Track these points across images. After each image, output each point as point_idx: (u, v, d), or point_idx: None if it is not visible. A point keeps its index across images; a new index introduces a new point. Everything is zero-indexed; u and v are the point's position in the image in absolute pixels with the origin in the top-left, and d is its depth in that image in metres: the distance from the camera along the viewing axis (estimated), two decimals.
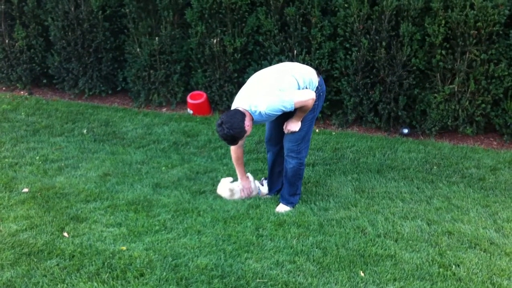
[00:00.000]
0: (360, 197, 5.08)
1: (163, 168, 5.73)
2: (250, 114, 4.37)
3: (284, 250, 4.19)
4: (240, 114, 4.32)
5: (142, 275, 3.88)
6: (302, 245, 4.25)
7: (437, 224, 4.59)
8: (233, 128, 4.27)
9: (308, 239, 4.34)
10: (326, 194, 5.14)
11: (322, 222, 4.60)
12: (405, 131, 6.79)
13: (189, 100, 7.46)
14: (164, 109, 7.67)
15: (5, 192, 5.12)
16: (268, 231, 4.45)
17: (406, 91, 6.66)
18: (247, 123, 4.33)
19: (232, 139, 4.37)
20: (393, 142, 6.49)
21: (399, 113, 6.75)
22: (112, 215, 4.73)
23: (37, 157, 5.96)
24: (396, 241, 4.33)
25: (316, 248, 4.22)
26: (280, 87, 4.38)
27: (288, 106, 4.33)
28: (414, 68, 6.53)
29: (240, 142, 4.68)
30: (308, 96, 4.42)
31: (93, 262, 4.01)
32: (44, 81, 8.34)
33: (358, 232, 4.46)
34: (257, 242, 4.28)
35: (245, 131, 4.33)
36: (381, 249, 4.20)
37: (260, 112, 4.32)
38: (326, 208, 4.87)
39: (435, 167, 5.77)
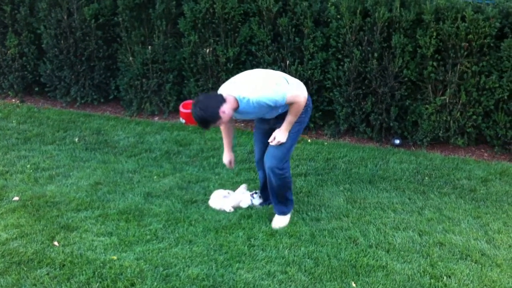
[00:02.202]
0: (352, 208, 5.09)
1: (155, 177, 5.71)
2: (236, 101, 4.16)
3: (276, 260, 4.18)
4: (219, 99, 4.12)
5: (133, 285, 3.86)
6: (294, 255, 4.24)
7: (429, 235, 4.61)
8: (205, 111, 4.05)
9: (300, 249, 4.34)
10: (318, 204, 5.15)
11: (314, 232, 4.60)
12: (397, 142, 6.82)
13: (181, 109, 7.41)
14: (156, 118, 7.67)
15: None
16: (260, 241, 4.45)
17: (398, 102, 6.70)
18: (226, 110, 4.10)
19: (204, 122, 4.14)
20: (385, 153, 6.52)
21: (391, 124, 6.78)
22: (103, 224, 4.70)
23: (28, 166, 5.92)
24: (387, 251, 4.34)
25: (308, 258, 4.22)
26: (276, 81, 4.28)
27: (280, 99, 4.15)
28: (406, 79, 6.58)
29: (229, 124, 4.59)
30: (300, 91, 4.31)
31: (84, 272, 3.99)
32: (36, 89, 8.30)
33: (350, 242, 4.46)
34: (248, 252, 4.28)
35: (219, 117, 4.09)
36: (373, 259, 4.21)
37: (248, 100, 4.12)
38: (318, 218, 4.87)
39: (426, 178, 5.80)
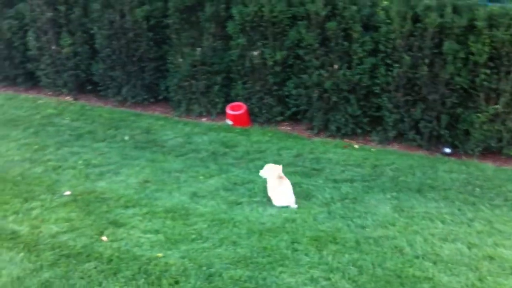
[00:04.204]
0: (398, 216, 5.00)
1: (201, 177, 5.78)
2: None
3: (319, 266, 4.16)
4: None
5: (177, 282, 3.92)
6: (338, 262, 4.21)
7: (478, 248, 4.48)
8: None
9: (344, 256, 4.30)
10: (363, 211, 5.08)
11: (359, 239, 4.55)
12: (447, 150, 6.66)
13: (228, 111, 7.52)
14: (204, 119, 7.75)
15: (48, 195, 5.26)
16: (304, 245, 4.43)
17: (448, 110, 6.55)
18: None
19: None
20: (434, 161, 6.38)
21: (441, 132, 6.63)
22: (150, 221, 4.79)
23: (80, 162, 6.10)
24: (434, 263, 4.25)
25: (352, 266, 4.17)
26: None
27: None
28: (458, 86, 6.42)
29: None
30: None
31: (130, 267, 4.08)
32: (89, 87, 8.54)
33: (395, 252, 4.39)
34: (292, 257, 4.27)
35: None
36: (419, 270, 4.13)
37: None
38: (363, 225, 4.81)
39: (477, 189, 5.64)
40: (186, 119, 7.77)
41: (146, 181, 5.64)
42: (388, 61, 6.71)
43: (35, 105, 8.15)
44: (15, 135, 6.86)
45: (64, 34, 8.27)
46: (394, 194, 5.47)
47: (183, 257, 4.21)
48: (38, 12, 8.25)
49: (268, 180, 5.25)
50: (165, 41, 8.00)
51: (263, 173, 5.30)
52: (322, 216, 4.95)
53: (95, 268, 4.07)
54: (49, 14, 8.21)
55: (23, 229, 4.60)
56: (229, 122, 7.51)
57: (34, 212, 4.89)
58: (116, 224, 4.74)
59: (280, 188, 5.16)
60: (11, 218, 4.78)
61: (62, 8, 8.17)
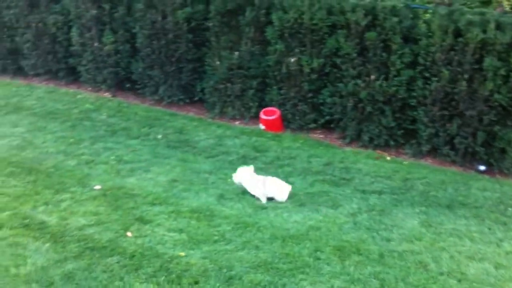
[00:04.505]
0: (425, 231, 4.90)
1: (229, 180, 5.79)
2: None
3: (341, 276, 4.11)
4: None
5: (196, 282, 3.94)
6: (360, 274, 4.15)
7: (506, 269, 4.34)
8: None
9: (367, 268, 4.24)
10: (390, 224, 5.00)
11: (383, 252, 4.48)
12: (482, 168, 6.50)
13: (262, 115, 7.54)
14: (237, 122, 7.79)
15: (78, 187, 5.38)
16: (326, 254, 4.39)
17: (485, 127, 6.39)
18: None
19: None
20: (468, 178, 6.23)
21: (477, 149, 6.47)
22: (175, 220, 4.84)
23: (112, 157, 6.22)
24: (459, 281, 4.14)
25: (374, 278, 4.11)
26: None
27: None
28: (496, 104, 6.26)
29: None
30: None
31: (151, 264, 4.12)
32: (127, 85, 8.70)
33: (419, 267, 4.30)
34: (313, 265, 4.24)
35: None
36: None
37: None
38: (388, 238, 4.74)
39: (510, 209, 5.47)
40: (220, 121, 7.82)
41: (175, 180, 5.70)
42: (427, 74, 6.61)
43: (74, 99, 8.35)
44: (52, 128, 7.05)
45: (107, 31, 8.45)
46: (423, 208, 5.37)
47: (204, 258, 4.23)
48: (83, 9, 8.46)
49: (244, 183, 5.39)
50: (204, 43, 8.08)
51: (236, 177, 5.44)
52: (347, 226, 4.90)
53: (118, 262, 4.13)
54: (94, 12, 8.41)
55: (52, 220, 4.71)
56: (262, 126, 7.53)
57: (64, 204, 5.01)
58: (142, 220, 4.80)
59: (268, 186, 5.35)
60: (41, 208, 4.91)
61: (106, 6, 8.36)
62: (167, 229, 4.68)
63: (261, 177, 5.41)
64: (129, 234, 4.57)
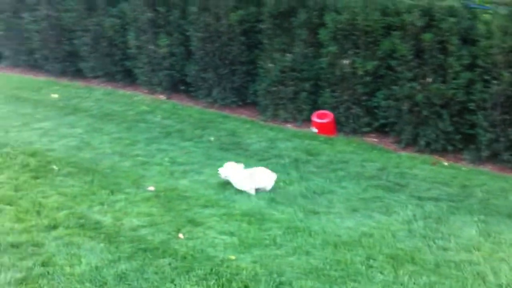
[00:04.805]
0: (484, 241, 4.69)
1: (281, 183, 5.76)
2: None
3: (394, 285, 3.99)
4: None
5: (246, 287, 3.91)
6: (414, 283, 4.01)
7: None
8: None
9: (422, 278, 4.09)
10: (447, 232, 4.82)
11: (439, 262, 4.32)
12: None
13: (315, 118, 7.46)
14: (289, 125, 7.74)
15: (133, 188, 5.47)
16: (379, 263, 4.27)
17: None
18: None
19: None
20: None
21: None
22: (226, 223, 4.84)
23: (166, 159, 6.30)
24: None
25: None
26: None
27: None
28: None
29: None
30: None
31: (202, 267, 4.12)
32: (182, 87, 8.81)
33: (477, 278, 4.12)
34: (366, 273, 4.13)
35: None
36: None
37: None
38: (445, 247, 4.56)
39: None
40: (272, 124, 7.79)
41: (228, 183, 5.70)
42: (486, 77, 6.35)
43: (131, 101, 8.54)
44: (109, 129, 7.23)
45: (162, 34, 8.59)
46: (482, 217, 5.14)
47: (254, 262, 4.21)
48: (139, 12, 8.64)
49: (232, 178, 5.52)
50: (257, 45, 8.08)
51: (223, 171, 5.56)
52: (402, 233, 4.76)
53: (169, 264, 4.16)
54: (149, 15, 8.57)
55: (106, 220, 4.81)
56: (314, 129, 7.45)
57: (118, 205, 5.10)
58: (194, 222, 4.83)
59: (257, 176, 5.49)
60: (96, 208, 5.02)
61: (161, 9, 8.51)
62: (218, 231, 4.69)
63: (247, 171, 5.52)
64: (181, 236, 4.61)
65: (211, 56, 8.24)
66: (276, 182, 5.75)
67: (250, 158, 6.48)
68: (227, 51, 8.12)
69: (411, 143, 6.99)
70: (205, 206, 5.16)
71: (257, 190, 5.47)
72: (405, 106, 6.87)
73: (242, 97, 8.38)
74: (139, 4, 8.66)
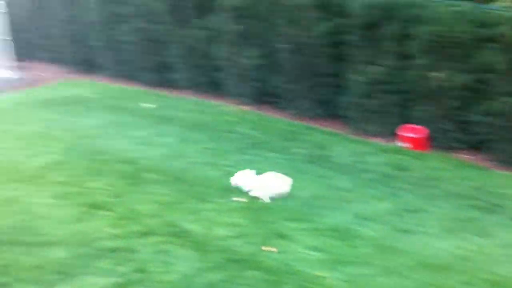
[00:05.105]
0: None
1: (370, 199, 5.64)
2: None
3: None
4: None
5: None
6: None
7: None
8: None
9: None
10: None
11: None
12: None
13: (404, 133, 7.25)
14: (377, 139, 7.57)
15: (221, 198, 5.56)
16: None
17: None
18: None
19: None
20: None
21: None
22: (313, 238, 4.80)
23: (253, 170, 6.33)
24: None
25: None
26: None
27: None
28: None
29: None
30: None
31: (290, 281, 4.12)
32: (268, 99, 8.87)
33: None
34: None
35: None
36: None
37: None
38: None
39: None
40: (359, 137, 7.65)
41: (313, 196, 5.67)
42: None
43: (219, 111, 8.71)
44: (199, 139, 7.40)
45: (249, 47, 8.71)
46: None
47: (344, 280, 4.13)
48: (228, 25, 8.81)
49: (244, 185, 5.60)
50: (344, 57, 7.99)
51: (234, 180, 5.66)
52: (502, 258, 4.50)
53: (258, 276, 4.18)
54: (238, 27, 8.71)
55: (196, 229, 4.91)
56: (404, 144, 7.23)
57: (208, 214, 5.20)
58: (281, 236, 4.83)
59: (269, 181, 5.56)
60: (187, 217, 5.14)
61: (249, 21, 8.62)
62: (306, 246, 4.66)
63: (260, 178, 5.60)
64: (268, 248, 4.61)
65: (298, 68, 8.24)
66: (362, 197, 5.64)
67: (337, 172, 6.40)
68: (314, 63, 8.09)
69: (509, 161, 6.61)
70: (293, 219, 5.15)
71: (272, 197, 5.49)
72: (501, 122, 6.52)
73: (329, 109, 8.30)
74: (228, 17, 8.83)
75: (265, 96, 8.94)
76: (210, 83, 9.54)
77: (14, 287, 4.03)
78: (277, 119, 8.39)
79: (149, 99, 9.31)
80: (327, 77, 8.11)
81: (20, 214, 5.12)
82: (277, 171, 6.29)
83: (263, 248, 4.60)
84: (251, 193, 5.57)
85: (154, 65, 10.11)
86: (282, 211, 5.32)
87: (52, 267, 4.25)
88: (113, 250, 4.51)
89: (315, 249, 4.62)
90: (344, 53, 7.97)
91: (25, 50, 12.33)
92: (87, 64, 11.45)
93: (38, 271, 4.20)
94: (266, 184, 5.57)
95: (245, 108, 8.88)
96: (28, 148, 6.95)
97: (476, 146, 6.97)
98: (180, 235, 4.83)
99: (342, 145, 7.32)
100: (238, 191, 5.70)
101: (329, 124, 8.21)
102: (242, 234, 4.86)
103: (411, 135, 7.17)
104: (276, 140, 7.47)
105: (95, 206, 5.30)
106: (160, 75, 10.14)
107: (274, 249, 4.59)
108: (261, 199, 5.50)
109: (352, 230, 4.96)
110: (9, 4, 11.18)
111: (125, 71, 10.69)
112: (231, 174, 6.18)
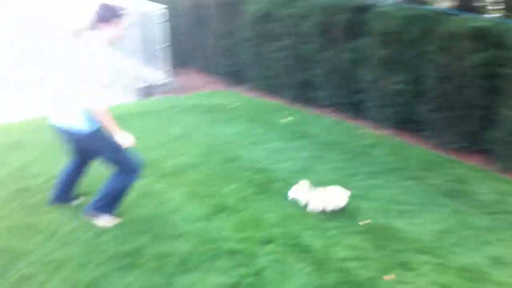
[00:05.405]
0: None
1: (510, 242, 5.13)
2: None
3: None
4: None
5: None
6: None
7: None
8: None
9: None
10: None
11: None
12: None
13: None
14: None
15: (346, 219, 5.42)
16: None
17: None
18: None
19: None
20: None
21: None
22: (440, 274, 4.48)
23: (383, 196, 6.12)
24: None
25: None
26: None
27: None
28: None
29: None
30: None
31: None
32: (409, 125, 8.55)
33: None
34: None
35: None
36: None
37: None
38: None
39: None
40: (507, 176, 7.03)
41: (446, 231, 5.29)
42: None
43: (355, 133, 8.57)
44: (331, 158, 7.32)
45: (395, 71, 8.48)
46: None
47: None
48: (375, 49, 8.66)
49: (300, 197, 5.60)
50: (497, 91, 7.42)
51: (291, 193, 5.66)
52: None
53: None
54: (385, 51, 8.53)
55: (316, 245, 4.82)
56: None
57: (329, 233, 5.09)
58: (405, 266, 4.57)
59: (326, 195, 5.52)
60: (308, 232, 5.08)
61: (397, 47, 8.40)
62: (431, 282, 4.35)
63: (317, 190, 5.57)
64: (388, 277, 4.39)
65: (444, 97, 7.83)
66: (502, 240, 5.15)
67: (476, 209, 5.92)
68: (464, 93, 7.62)
69: None
70: (420, 252, 4.85)
71: (327, 210, 5.46)
72: None
73: (475, 143, 7.75)
74: (376, 41, 8.69)
75: (406, 123, 8.62)
76: (351, 104, 9.45)
77: (135, 271, 4.28)
78: (416, 147, 8.03)
79: (287, 114, 9.46)
80: (476, 109, 7.59)
81: (154, 206, 5.44)
82: (410, 201, 6.03)
83: (385, 277, 4.39)
84: (308, 207, 5.53)
85: (297, 82, 10.27)
86: (411, 242, 5.04)
87: (173, 259, 4.44)
88: (233, 252, 4.60)
89: (439, 286, 4.30)
90: (498, 86, 7.41)
91: (181, 58, 13.27)
92: (234, 76, 12.01)
93: (160, 260, 4.41)
94: (322, 197, 5.54)
95: (384, 132, 8.64)
96: (168, 147, 7.42)
97: None
98: (300, 248, 4.78)
99: (485, 181, 6.77)
100: (367, 215, 5.53)
101: (472, 158, 7.67)
102: (363, 258, 4.68)
103: None
104: (412, 168, 7.14)
105: (223, 208, 5.47)
106: (301, 92, 10.27)
107: (394, 278, 4.35)
108: (318, 212, 5.50)
109: (485, 274, 4.54)
110: (171, 15, 12.10)
111: (269, 86, 11.01)
112: (360, 197, 6.03)
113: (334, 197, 5.55)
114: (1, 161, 6.69)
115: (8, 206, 5.36)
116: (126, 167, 4.80)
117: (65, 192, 5.30)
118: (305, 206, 5.57)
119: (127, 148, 4.74)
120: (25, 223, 4.98)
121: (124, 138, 4.66)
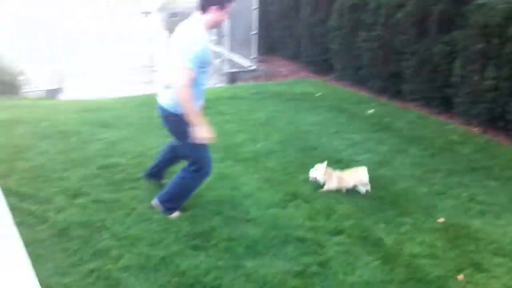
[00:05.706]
0: None
1: None
2: None
3: None
4: None
5: None
6: None
7: None
8: None
9: None
10: None
11: None
12: None
13: None
14: None
15: (422, 215, 5.33)
16: None
17: None
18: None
19: None
20: None
21: None
22: None
23: (464, 194, 5.93)
24: None
25: None
26: None
27: None
28: None
29: None
30: None
31: None
32: (500, 123, 8.13)
33: None
34: None
35: None
36: None
37: None
38: None
39: None
40: None
41: None
42: None
43: (442, 129, 8.30)
44: (413, 152, 7.16)
45: (490, 67, 8.08)
46: None
47: None
48: (470, 42, 8.30)
49: (320, 178, 5.77)
50: None
51: (312, 174, 5.82)
52: None
53: None
54: (480, 45, 8.15)
55: (388, 240, 4.80)
56: None
57: (403, 228, 5.04)
58: (478, 267, 4.45)
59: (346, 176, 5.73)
60: (381, 225, 5.06)
61: (495, 40, 7.99)
62: (504, 284, 4.21)
63: (335, 172, 5.77)
64: (460, 277, 4.30)
65: None
66: None
67: None
68: None
69: None
70: (496, 254, 4.69)
71: (349, 189, 5.73)
72: None
73: None
74: (471, 33, 8.32)
75: (497, 121, 8.21)
76: (440, 99, 9.13)
77: (205, 251, 4.48)
78: (505, 146, 7.65)
79: (372, 106, 9.33)
80: None
81: (228, 189, 5.61)
82: (491, 201, 5.80)
83: (456, 276, 4.30)
84: (325, 187, 5.68)
85: (386, 73, 10.07)
86: (487, 243, 4.88)
87: (243, 241, 4.58)
88: (302, 240, 4.68)
89: None
90: None
91: (269, 45, 13.42)
92: (322, 65, 11.98)
93: (230, 243, 4.56)
94: (341, 176, 5.68)
95: (472, 129, 8.29)
96: (249, 133, 7.58)
97: None
98: (370, 241, 4.78)
99: None
100: (445, 213, 5.40)
101: None
102: (435, 256, 4.61)
103: None
104: (500, 168, 6.81)
105: (296, 196, 5.55)
106: (388, 84, 10.06)
107: (465, 279, 4.25)
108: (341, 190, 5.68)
109: None
110: (261, 2, 12.24)
111: (356, 76, 10.89)
112: (440, 194, 5.90)
113: (353, 178, 5.74)
114: (93, 137, 7.08)
115: (94, 182, 5.65)
116: (199, 163, 4.68)
117: (160, 169, 5.43)
118: (323, 185, 5.78)
119: (204, 143, 4.52)
120: (108, 199, 5.26)
121: (202, 132, 4.41)
